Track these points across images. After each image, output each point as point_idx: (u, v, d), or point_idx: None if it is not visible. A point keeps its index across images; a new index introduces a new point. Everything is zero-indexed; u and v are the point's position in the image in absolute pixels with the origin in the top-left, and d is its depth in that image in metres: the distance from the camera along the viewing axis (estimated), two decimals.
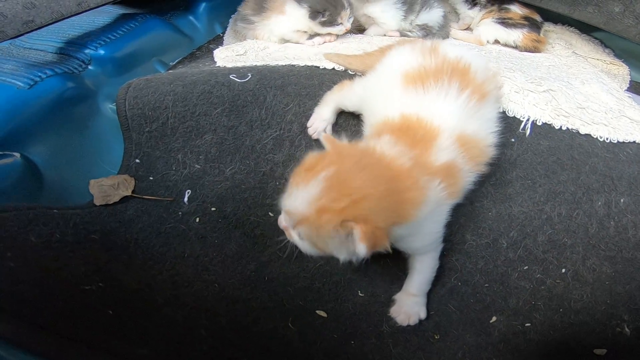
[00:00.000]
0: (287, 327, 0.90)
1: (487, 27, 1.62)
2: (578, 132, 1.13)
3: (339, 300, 0.95)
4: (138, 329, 0.81)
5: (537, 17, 1.63)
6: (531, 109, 1.12)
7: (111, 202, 0.95)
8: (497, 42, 1.63)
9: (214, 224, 1.00)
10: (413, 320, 0.94)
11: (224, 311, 0.90)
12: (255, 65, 1.27)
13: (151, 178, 1.01)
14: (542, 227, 1.08)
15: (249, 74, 1.16)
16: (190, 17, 1.57)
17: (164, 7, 1.48)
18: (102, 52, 1.17)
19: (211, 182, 1.03)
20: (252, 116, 1.07)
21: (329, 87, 1.11)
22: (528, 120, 1.12)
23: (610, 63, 1.54)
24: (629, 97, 1.36)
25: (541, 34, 1.61)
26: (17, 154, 0.81)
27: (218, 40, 1.59)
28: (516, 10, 1.61)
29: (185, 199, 1.01)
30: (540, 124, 1.13)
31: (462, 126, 0.80)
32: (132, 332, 0.80)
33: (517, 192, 1.10)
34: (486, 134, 0.84)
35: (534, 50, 1.58)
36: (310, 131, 1.09)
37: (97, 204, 0.92)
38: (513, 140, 1.13)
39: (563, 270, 1.04)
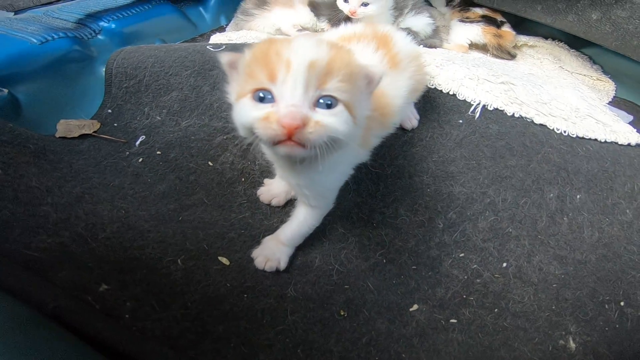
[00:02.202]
0: (175, 262, 0.66)
1: (454, 27, 1.50)
2: (532, 122, 0.91)
3: (249, 253, 0.71)
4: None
5: (498, 17, 1.49)
6: (483, 94, 0.91)
7: (69, 136, 0.88)
8: (472, 45, 1.48)
9: (154, 165, 0.85)
10: (269, 266, 0.69)
11: (111, 230, 0.68)
12: (235, 43, 1.18)
13: (115, 124, 0.92)
14: (484, 212, 0.81)
15: (224, 46, 1.06)
16: (200, 8, 1.56)
17: None
18: (113, 25, 1.20)
19: (166, 131, 0.91)
20: (216, 79, 0.97)
21: None
22: (479, 104, 0.90)
23: (597, 79, 1.35)
24: (605, 106, 1.15)
25: (504, 28, 1.46)
26: (6, 90, 0.88)
27: (221, 31, 1.54)
28: (476, 10, 1.51)
29: (137, 143, 0.89)
30: (491, 108, 0.91)
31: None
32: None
33: (460, 171, 0.84)
34: (392, 95, 0.70)
35: (500, 47, 1.42)
36: None
37: (57, 136, 0.87)
38: (461, 121, 0.90)
39: (504, 265, 0.76)
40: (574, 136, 0.89)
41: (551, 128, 0.89)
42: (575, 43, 1.45)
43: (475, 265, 0.76)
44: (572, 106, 0.95)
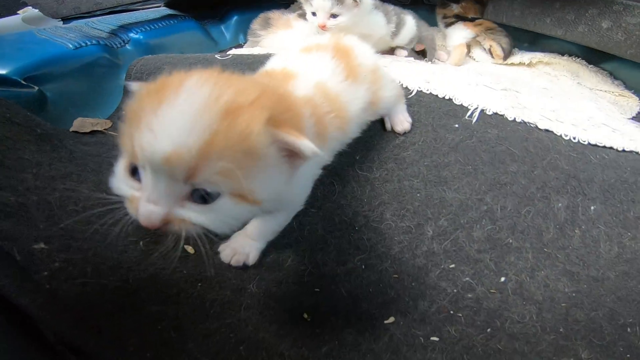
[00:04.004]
0: (137, 243, 0.59)
1: (448, 34, 1.43)
2: (536, 127, 0.79)
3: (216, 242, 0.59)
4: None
5: (469, 14, 1.43)
6: (482, 99, 0.82)
7: (81, 131, 0.88)
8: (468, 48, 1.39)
9: None
10: (236, 260, 0.60)
11: (83, 205, 0.63)
12: (241, 54, 1.16)
13: None
14: (480, 221, 0.68)
15: (230, 55, 1.07)
16: (222, 27, 1.62)
17: (204, 15, 1.56)
18: (140, 36, 1.25)
19: None
20: None
21: None
22: (476, 108, 0.80)
23: (619, 95, 1.19)
24: (629, 120, 0.99)
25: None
26: (36, 88, 0.92)
27: (238, 47, 1.56)
28: (452, 8, 1.45)
29: None
30: (490, 113, 0.81)
31: (324, 79, 0.62)
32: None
33: (454, 176, 0.73)
34: (348, 101, 0.63)
35: (487, 30, 1.33)
36: None
37: (71, 130, 0.88)
38: (457, 126, 0.80)
39: (502, 279, 0.62)
40: (585, 143, 0.75)
41: (558, 134, 0.76)
42: (593, 58, 1.30)
43: (467, 278, 0.63)
44: (585, 114, 0.82)
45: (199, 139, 0.34)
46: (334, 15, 1.08)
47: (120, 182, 0.40)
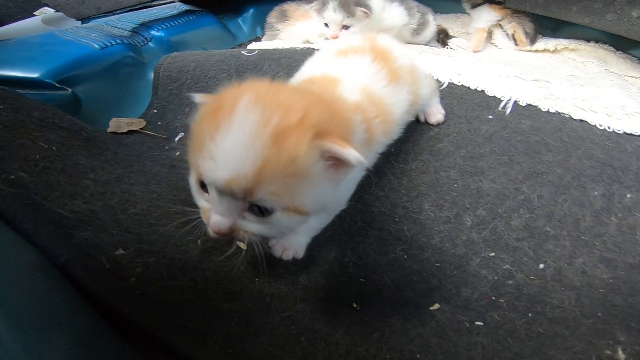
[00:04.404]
0: (195, 242, 0.63)
1: (472, 16, 1.38)
2: (570, 117, 0.80)
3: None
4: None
5: None
6: (515, 90, 0.82)
7: (118, 131, 0.92)
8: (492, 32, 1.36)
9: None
10: (287, 255, 0.63)
11: (141, 207, 0.66)
12: (267, 48, 1.19)
13: (159, 123, 0.95)
14: (518, 210, 0.70)
15: (256, 50, 1.09)
16: (239, 20, 1.63)
17: (220, 9, 1.57)
18: (162, 34, 1.27)
19: None
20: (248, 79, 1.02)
21: None
22: (509, 99, 0.81)
23: None
24: None
25: None
26: (69, 89, 0.94)
27: (256, 41, 1.58)
28: None
29: (177, 139, 0.90)
30: (523, 104, 0.81)
31: (369, 84, 0.64)
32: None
33: (490, 166, 0.75)
34: (392, 104, 0.65)
35: (511, 15, 1.30)
36: None
37: (108, 131, 0.91)
38: (490, 117, 0.81)
39: (541, 266, 0.64)
40: (620, 132, 0.76)
41: (592, 124, 0.77)
42: (621, 44, 1.27)
43: (507, 266, 0.65)
44: (618, 103, 0.82)
45: (252, 166, 0.38)
46: (345, 27, 1.09)
47: (195, 194, 0.46)
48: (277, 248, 0.65)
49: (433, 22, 1.28)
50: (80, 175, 0.65)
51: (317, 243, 0.68)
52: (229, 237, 0.44)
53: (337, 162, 0.43)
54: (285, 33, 1.42)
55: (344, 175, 0.45)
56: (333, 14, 1.06)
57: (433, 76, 0.86)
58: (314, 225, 0.65)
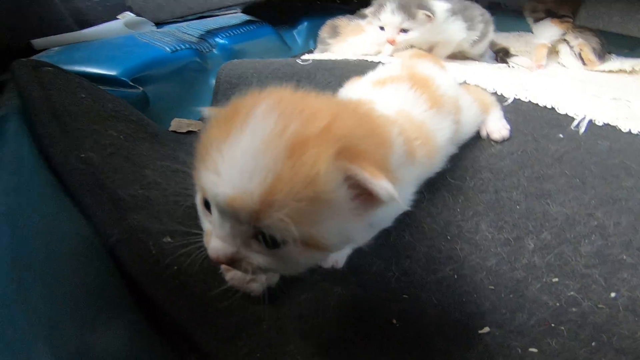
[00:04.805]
0: None
1: (535, 30, 1.52)
2: None
3: None
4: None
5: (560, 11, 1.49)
6: (590, 108, 0.90)
7: (179, 131, 1.17)
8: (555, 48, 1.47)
9: None
10: (326, 263, 0.74)
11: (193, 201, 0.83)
12: (320, 59, 1.40)
13: None
14: (590, 236, 0.76)
15: (311, 60, 1.31)
16: (294, 32, 1.97)
17: (277, 21, 1.90)
18: (225, 41, 1.59)
19: None
20: (301, 87, 1.21)
21: None
22: (584, 118, 0.89)
23: None
24: None
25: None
26: (140, 88, 1.20)
27: (309, 53, 1.83)
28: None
29: None
30: (600, 124, 0.89)
31: (406, 108, 0.73)
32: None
33: (559, 189, 0.83)
34: (433, 129, 0.74)
35: (573, 30, 1.41)
36: None
37: (169, 129, 1.17)
38: (561, 136, 0.89)
39: (612, 295, 0.69)
40: None
41: None
42: None
43: (572, 293, 0.72)
44: None
45: (261, 183, 0.38)
46: (404, 30, 1.20)
47: (200, 214, 0.48)
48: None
49: (492, 33, 1.42)
50: (142, 164, 0.84)
51: (359, 254, 0.80)
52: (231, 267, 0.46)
53: (365, 193, 0.42)
54: (336, 48, 1.66)
55: (374, 211, 0.45)
56: (391, 16, 1.19)
57: (494, 90, 0.99)
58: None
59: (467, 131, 0.89)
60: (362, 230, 0.47)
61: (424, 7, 1.17)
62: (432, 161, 0.74)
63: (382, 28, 1.24)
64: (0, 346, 0.39)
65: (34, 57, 1.15)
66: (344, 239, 0.47)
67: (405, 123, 0.65)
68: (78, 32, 1.47)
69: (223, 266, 0.66)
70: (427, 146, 0.70)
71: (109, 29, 1.55)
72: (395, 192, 0.40)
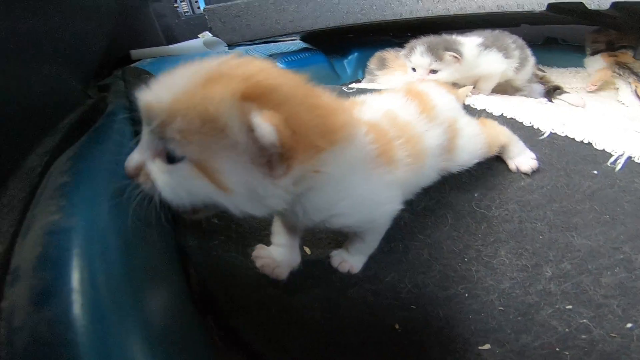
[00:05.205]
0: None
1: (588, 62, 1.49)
2: None
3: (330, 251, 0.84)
4: None
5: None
6: (629, 145, 0.88)
7: None
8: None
9: None
10: (343, 267, 0.80)
11: None
12: (364, 88, 1.53)
13: None
14: (613, 268, 0.74)
15: (355, 89, 1.43)
16: (344, 61, 2.08)
17: (330, 51, 2.05)
18: (284, 65, 1.76)
19: None
20: None
21: None
22: (622, 155, 0.88)
23: None
24: None
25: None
26: None
27: (357, 82, 1.96)
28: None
29: None
30: (639, 161, 0.87)
31: (394, 109, 0.80)
32: None
33: (587, 223, 0.81)
34: (420, 132, 0.78)
35: (620, 65, 1.34)
36: None
37: None
38: (596, 172, 0.89)
39: (628, 325, 0.66)
40: None
41: None
42: None
43: (584, 320, 0.70)
44: None
45: (171, 97, 0.45)
46: (433, 71, 1.26)
47: None
48: (336, 259, 0.84)
49: (532, 59, 1.41)
50: None
51: (376, 265, 0.85)
52: (135, 181, 0.51)
53: (268, 154, 0.47)
54: (383, 80, 1.73)
55: (285, 173, 0.49)
56: (420, 58, 1.26)
57: (530, 123, 1.00)
58: (361, 247, 0.82)
59: (462, 159, 0.90)
60: (273, 192, 0.50)
61: (451, 48, 1.22)
62: (418, 164, 0.77)
63: (414, 69, 1.32)
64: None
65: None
66: (250, 193, 0.49)
67: (386, 126, 0.73)
68: (167, 46, 1.73)
69: (254, 253, 0.77)
70: (411, 145, 0.75)
71: (190, 46, 1.82)
72: (276, 135, 0.43)
